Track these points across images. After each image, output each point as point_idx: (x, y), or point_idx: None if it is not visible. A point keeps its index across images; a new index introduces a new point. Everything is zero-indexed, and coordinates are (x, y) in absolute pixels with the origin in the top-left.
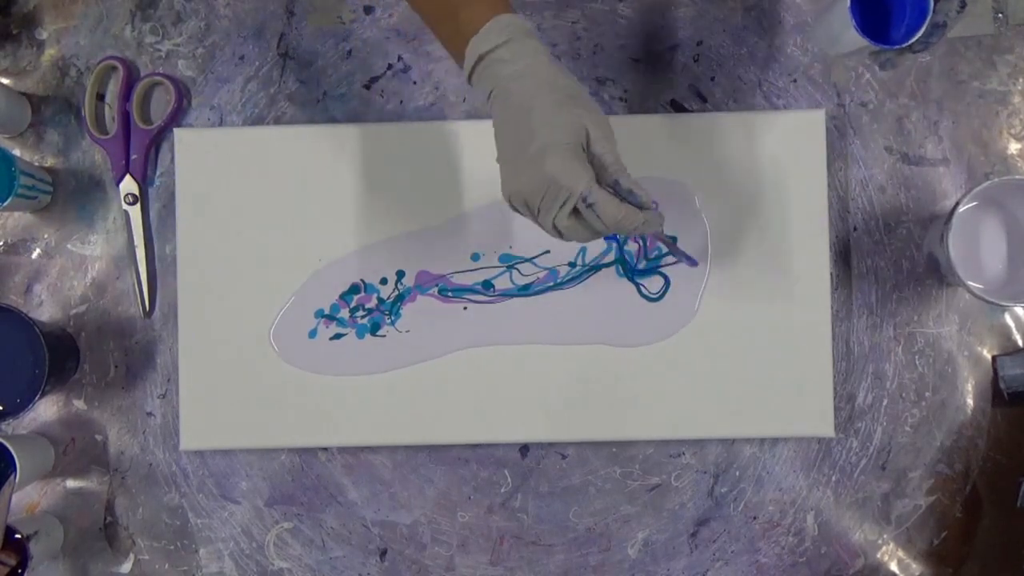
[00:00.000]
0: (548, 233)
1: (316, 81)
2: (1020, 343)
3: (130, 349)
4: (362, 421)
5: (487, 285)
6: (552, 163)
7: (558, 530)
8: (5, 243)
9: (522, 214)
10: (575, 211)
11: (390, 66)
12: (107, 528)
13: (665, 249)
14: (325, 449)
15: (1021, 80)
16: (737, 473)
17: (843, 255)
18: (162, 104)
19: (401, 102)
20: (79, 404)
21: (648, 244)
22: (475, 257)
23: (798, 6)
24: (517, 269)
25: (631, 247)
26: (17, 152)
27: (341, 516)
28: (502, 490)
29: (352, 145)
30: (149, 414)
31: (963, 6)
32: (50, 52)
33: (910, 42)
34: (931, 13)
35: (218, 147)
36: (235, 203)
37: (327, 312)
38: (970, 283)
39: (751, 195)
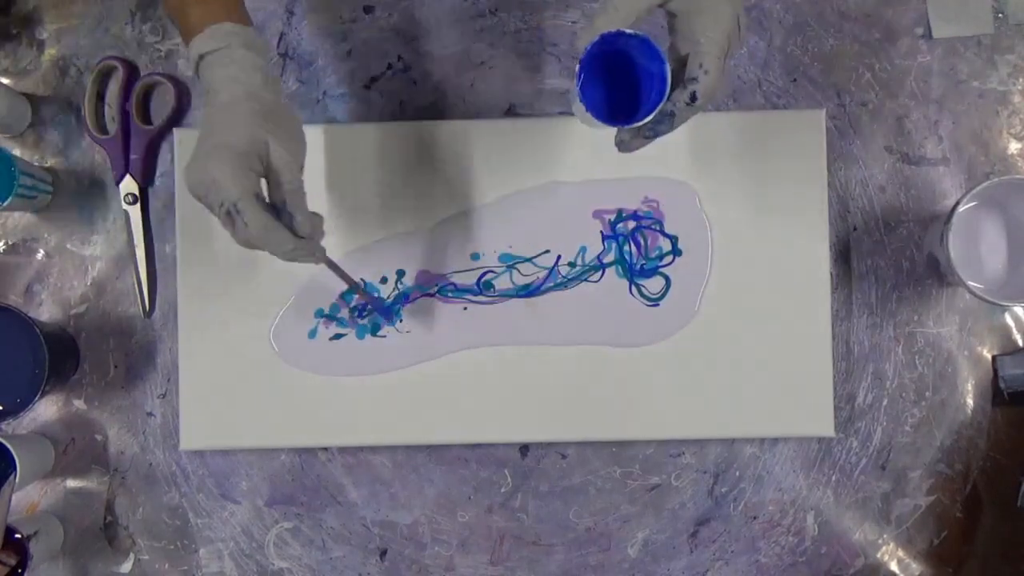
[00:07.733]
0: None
1: (316, 81)
2: (1020, 343)
3: (130, 349)
4: (362, 421)
5: (487, 285)
6: (214, 164)
7: (558, 530)
8: (6, 243)
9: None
10: (230, 215)
11: (390, 66)
12: (107, 528)
13: (661, 251)
14: (325, 449)
15: (1021, 80)
16: (737, 473)
17: (843, 255)
18: (162, 104)
19: (401, 102)
20: (79, 404)
21: (650, 244)
22: (475, 257)
23: (798, 6)
24: (517, 269)
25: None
26: (17, 152)
27: (341, 516)
28: (502, 490)
29: (352, 145)
30: (149, 414)
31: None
32: (50, 52)
33: (637, 124)
34: (665, 100)
35: None
36: None
37: (327, 312)
38: (970, 283)
39: (752, 195)
